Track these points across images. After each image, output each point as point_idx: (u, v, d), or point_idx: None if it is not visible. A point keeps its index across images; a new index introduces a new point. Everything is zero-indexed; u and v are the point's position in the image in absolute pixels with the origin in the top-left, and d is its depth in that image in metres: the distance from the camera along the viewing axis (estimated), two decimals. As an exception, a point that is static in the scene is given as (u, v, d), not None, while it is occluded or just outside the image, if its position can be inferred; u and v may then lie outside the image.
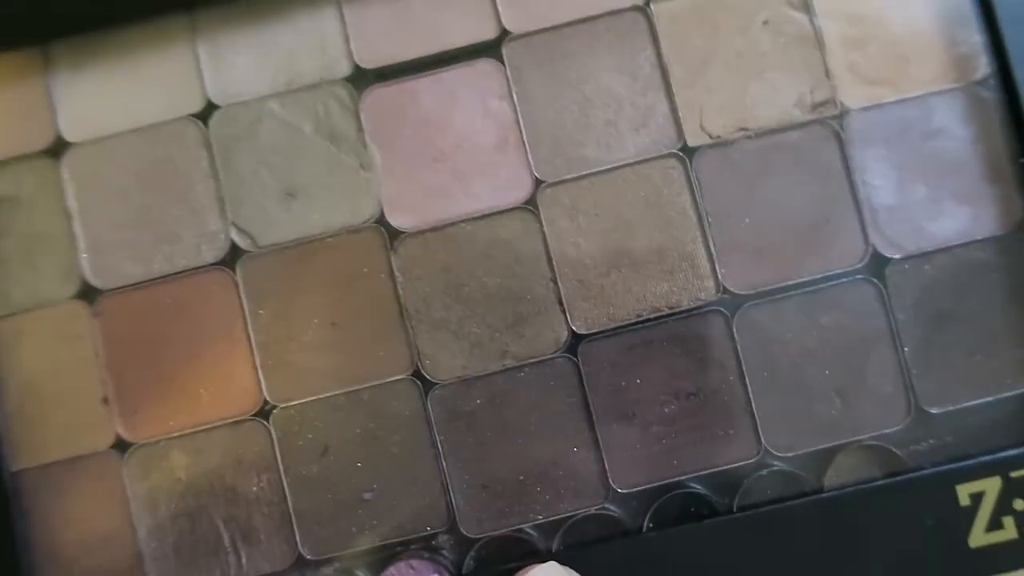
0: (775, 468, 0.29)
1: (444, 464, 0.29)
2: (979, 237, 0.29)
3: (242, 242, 0.29)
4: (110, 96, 0.29)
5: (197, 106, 0.29)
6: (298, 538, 0.28)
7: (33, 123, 0.29)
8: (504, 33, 0.29)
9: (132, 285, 0.29)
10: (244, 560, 0.29)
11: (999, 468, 0.28)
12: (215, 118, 0.29)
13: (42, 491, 0.29)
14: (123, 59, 0.29)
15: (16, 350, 0.29)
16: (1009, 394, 0.29)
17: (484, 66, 0.29)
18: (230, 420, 0.29)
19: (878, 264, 0.29)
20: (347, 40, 0.30)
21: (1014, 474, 0.27)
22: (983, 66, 0.29)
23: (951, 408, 0.29)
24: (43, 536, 0.28)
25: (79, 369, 0.29)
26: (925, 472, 0.28)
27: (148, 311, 0.29)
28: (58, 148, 0.29)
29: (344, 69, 0.29)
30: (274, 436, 0.29)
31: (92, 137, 0.29)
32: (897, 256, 0.29)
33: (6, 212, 0.29)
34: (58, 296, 0.29)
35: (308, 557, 0.28)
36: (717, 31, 0.29)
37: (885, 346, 0.29)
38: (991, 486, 0.27)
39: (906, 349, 0.29)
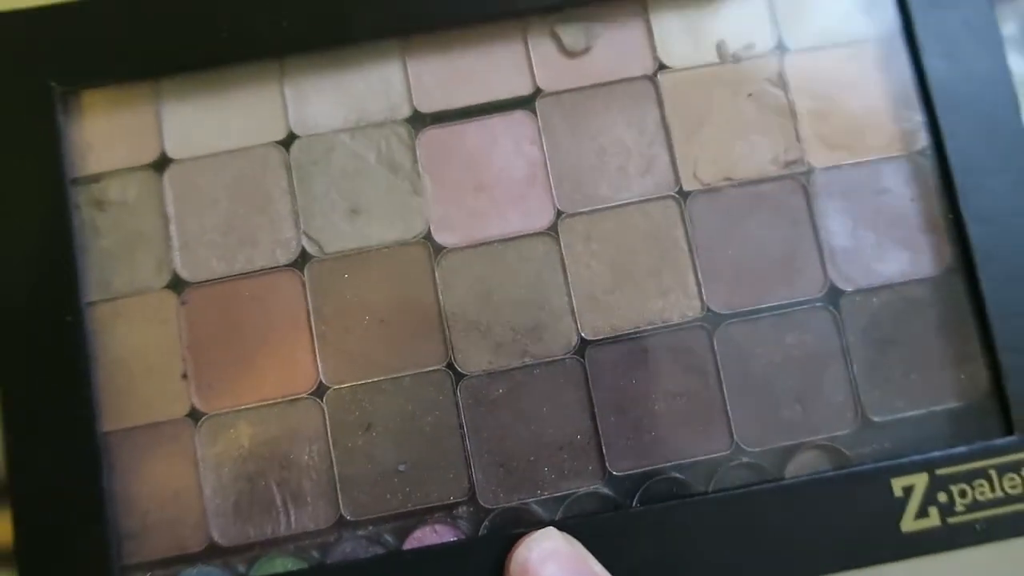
0: (744, 461, 0.34)
1: (468, 443, 0.33)
2: (916, 277, 0.35)
3: (311, 248, 0.34)
4: (209, 122, 0.35)
5: (281, 135, 0.35)
6: (340, 501, 0.33)
7: (143, 142, 0.35)
8: (538, 90, 0.35)
9: (216, 279, 0.34)
10: (293, 519, 0.33)
11: (927, 466, 0.33)
12: (296, 146, 0.35)
13: (126, 450, 0.33)
14: (222, 93, 0.35)
15: (112, 330, 0.34)
16: (938, 408, 0.34)
17: (520, 116, 0.35)
18: (290, 397, 0.34)
19: (834, 295, 0.35)
20: (408, 88, 0.35)
21: (939, 471, 0.33)
22: (922, 140, 0.35)
23: (890, 417, 0.34)
24: (123, 489, 0.33)
25: (164, 348, 0.34)
26: (866, 467, 0.33)
27: (227, 302, 0.34)
28: (162, 163, 0.35)
29: (405, 112, 0.35)
30: (326, 412, 0.34)
31: (191, 155, 0.35)
32: (850, 289, 0.35)
33: (113, 214, 0.35)
34: (152, 285, 0.34)
35: (348, 518, 0.33)
36: (711, 99, 0.36)
37: (838, 363, 0.34)
38: (920, 481, 0.33)
39: (855, 366, 0.34)
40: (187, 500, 0.33)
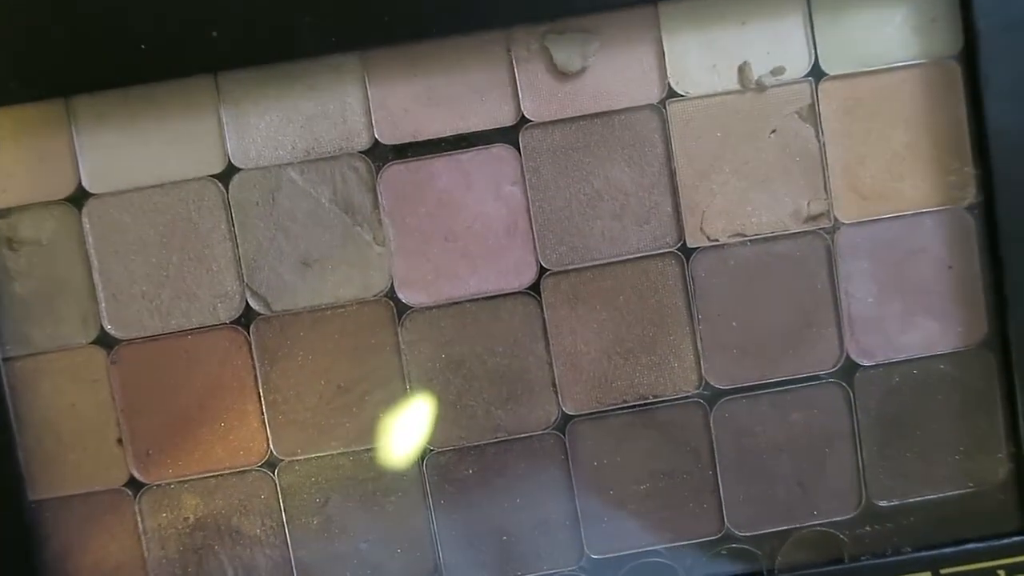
0: (735, 545, 0.30)
1: (434, 523, 0.30)
2: (942, 351, 0.30)
3: (256, 305, 0.29)
4: (133, 150, 0.29)
5: (218, 167, 0.29)
6: (296, 578, 0.30)
7: (56, 171, 0.28)
8: (523, 120, 0.29)
9: (149, 337, 0.29)
10: (246, 591, 0.30)
11: (931, 564, 0.29)
12: (235, 181, 0.29)
13: (61, 521, 0.29)
14: (147, 116, 0.28)
15: (35, 388, 0.29)
16: (948, 495, 0.30)
17: (500, 151, 0.29)
18: (238, 469, 0.29)
19: (849, 370, 0.30)
20: (369, 113, 0.29)
21: (944, 570, 0.29)
22: (970, 195, 0.29)
23: (897, 503, 0.30)
24: (59, 563, 0.29)
25: (95, 411, 0.29)
26: (867, 563, 0.29)
27: (163, 362, 0.29)
28: (80, 197, 0.29)
29: (364, 142, 0.29)
30: (279, 486, 0.29)
31: (113, 189, 0.29)
32: (867, 363, 0.30)
33: (27, 255, 0.29)
34: (77, 341, 0.29)
35: (305, 595, 0.30)
36: (727, 137, 0.29)
37: (846, 444, 0.30)
38: (923, 578, 0.29)
39: (863, 448, 0.30)
40: (130, 574, 0.29)
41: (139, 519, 0.29)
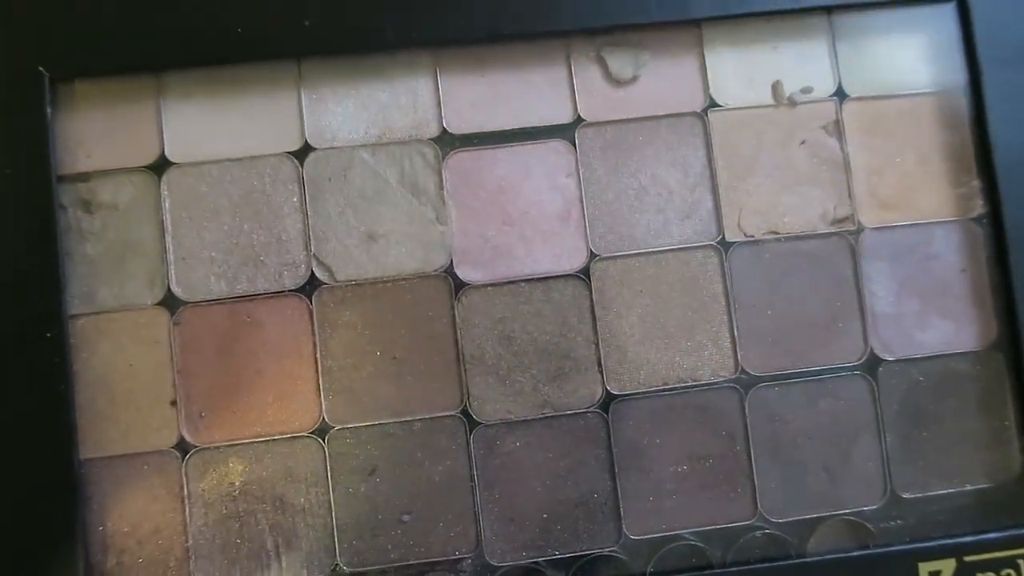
0: (767, 531, 0.30)
1: (478, 496, 0.30)
2: (958, 350, 0.31)
3: (321, 274, 0.30)
4: (216, 125, 0.30)
5: (295, 145, 0.30)
6: (337, 550, 0.29)
7: (141, 141, 0.30)
8: (579, 119, 0.31)
9: (214, 300, 0.29)
10: (284, 565, 0.29)
11: (955, 551, 0.30)
12: (310, 159, 0.30)
13: (105, 481, 0.29)
14: (232, 94, 0.30)
15: (95, 347, 0.29)
16: (969, 487, 0.31)
17: (557, 145, 0.31)
18: (288, 435, 0.29)
19: (873, 363, 0.31)
20: (439, 104, 0.31)
21: (967, 558, 0.30)
22: (979, 206, 0.32)
23: (920, 495, 0.31)
24: (100, 523, 0.28)
25: (153, 371, 0.29)
26: (894, 549, 0.30)
27: (225, 326, 0.29)
28: (161, 166, 0.30)
29: (433, 130, 0.31)
30: (327, 453, 0.29)
31: (194, 160, 0.30)
32: (889, 358, 0.31)
33: (102, 217, 0.30)
34: (142, 301, 0.29)
35: (345, 568, 0.29)
36: (762, 144, 0.31)
37: (871, 434, 0.31)
38: (947, 566, 0.30)
39: (888, 439, 0.31)
40: (169, 539, 0.29)
41: (184, 482, 0.29)
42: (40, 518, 0.28)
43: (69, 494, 0.28)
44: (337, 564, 0.29)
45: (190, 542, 0.29)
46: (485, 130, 0.31)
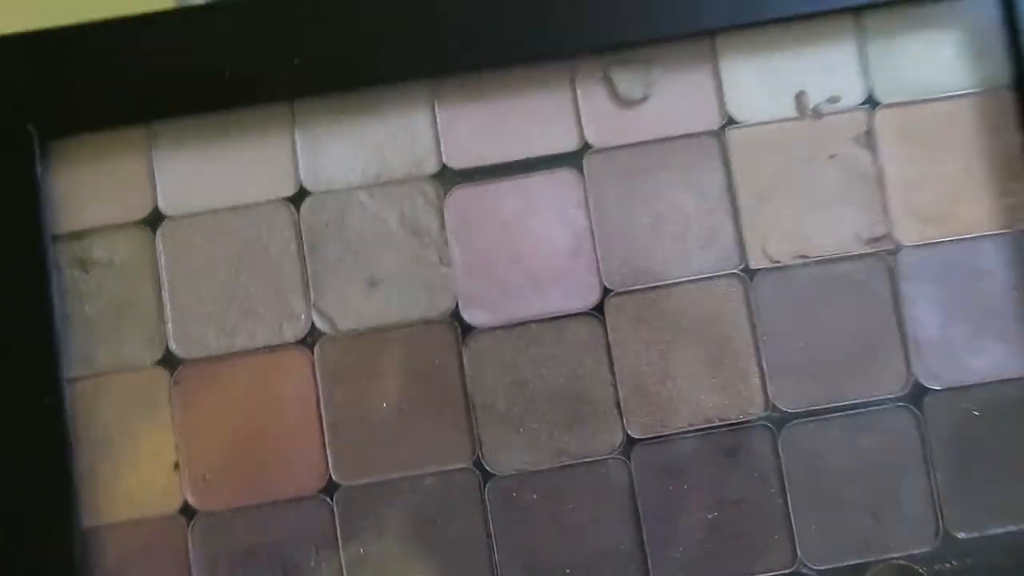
0: (809, 579, 0.28)
1: (496, 552, 0.28)
2: (1014, 375, 0.28)
3: (322, 325, 0.28)
4: (209, 174, 0.28)
5: (290, 191, 0.28)
6: (351, 612, 0.27)
7: (133, 195, 0.28)
8: (586, 146, 0.29)
9: (213, 356, 0.28)
10: (297, 628, 0.28)
11: (1020, 599, 0.27)
12: (306, 204, 0.28)
13: (110, 549, 0.27)
14: (224, 141, 0.28)
15: (95, 410, 0.28)
16: (1031, 526, 0.28)
17: (564, 175, 0.29)
18: (296, 495, 0.28)
19: (918, 393, 0.28)
20: (437, 139, 0.29)
21: (1033, 606, 0.27)
22: (1031, 217, 0.28)
23: (976, 535, 0.28)
24: (107, 591, 0.27)
25: (155, 433, 0.28)
26: (951, 598, 0.27)
27: (226, 382, 0.28)
28: (155, 220, 0.28)
29: (432, 167, 0.29)
30: (336, 514, 0.28)
31: (188, 212, 0.28)
32: (937, 387, 0.28)
33: (98, 276, 0.28)
34: (141, 361, 0.28)
35: (359, 630, 0.27)
36: (786, 161, 0.29)
37: (919, 471, 0.28)
38: (1011, 616, 0.27)
39: (938, 475, 0.28)
40: (178, 605, 0.27)
41: (190, 548, 0.27)
42: (46, 589, 0.26)
43: (72, 565, 0.27)
44: (352, 628, 0.27)
45: (200, 608, 0.27)
46: (487, 163, 0.29)
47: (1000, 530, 0.28)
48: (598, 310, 0.28)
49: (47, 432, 0.27)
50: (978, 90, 0.29)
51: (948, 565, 0.28)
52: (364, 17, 0.28)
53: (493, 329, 0.28)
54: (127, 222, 0.28)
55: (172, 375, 0.28)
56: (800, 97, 0.29)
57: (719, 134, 0.29)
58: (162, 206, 0.28)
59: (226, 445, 0.28)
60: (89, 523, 0.27)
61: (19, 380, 0.27)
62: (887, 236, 0.28)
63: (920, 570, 0.28)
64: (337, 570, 0.27)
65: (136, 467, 0.28)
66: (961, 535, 0.28)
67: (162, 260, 0.28)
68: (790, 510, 0.28)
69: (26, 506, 0.27)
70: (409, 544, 0.27)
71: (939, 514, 0.28)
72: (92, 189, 0.28)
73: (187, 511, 0.28)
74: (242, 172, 0.28)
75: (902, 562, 0.28)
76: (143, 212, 0.28)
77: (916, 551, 0.28)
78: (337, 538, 0.27)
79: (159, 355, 0.28)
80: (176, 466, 0.28)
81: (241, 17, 0.28)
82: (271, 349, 0.28)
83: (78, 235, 0.28)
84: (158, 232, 0.28)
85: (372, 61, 0.28)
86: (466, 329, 0.28)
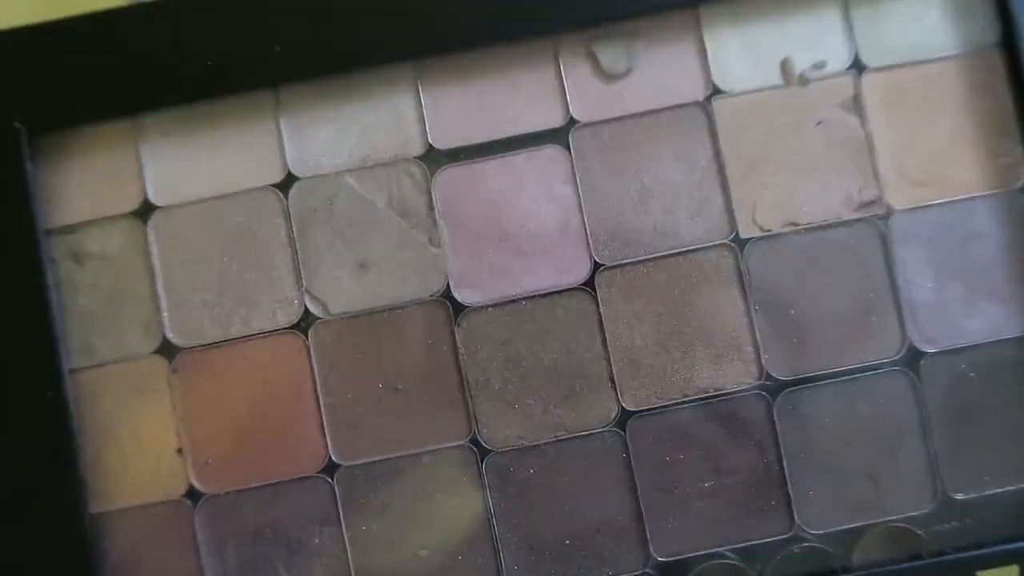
0: (807, 544, 0.28)
1: (495, 526, 0.28)
2: (1010, 335, 0.28)
3: (315, 309, 0.28)
4: (196, 164, 0.28)
5: (277, 177, 0.29)
6: (356, 589, 0.28)
7: (123, 187, 0.28)
8: (572, 122, 0.28)
9: (209, 344, 0.28)
10: (304, 606, 0.28)
11: (1017, 556, 0.27)
12: (294, 190, 0.29)
13: (119, 533, 0.28)
14: (210, 130, 0.28)
15: (99, 400, 0.28)
16: (1029, 485, 0.28)
17: (551, 152, 0.29)
18: (297, 476, 0.28)
19: (913, 357, 0.28)
20: (422, 120, 0.29)
21: (1033, 564, 0.27)
22: (1023, 175, 0.28)
23: (974, 495, 0.28)
24: (118, 574, 0.28)
25: (156, 421, 0.28)
26: (949, 558, 0.27)
27: (224, 369, 0.28)
28: (145, 211, 0.28)
29: (418, 148, 0.29)
30: (338, 493, 0.28)
31: (177, 202, 0.28)
32: (932, 350, 0.28)
33: (93, 268, 0.29)
34: (139, 351, 0.28)
35: (365, 607, 0.28)
36: (773, 129, 0.28)
37: (916, 434, 0.28)
38: (1010, 574, 0.27)
39: (935, 437, 0.28)
40: (187, 588, 0.28)
41: (197, 530, 0.28)
42: (58, 574, 0.27)
43: (83, 549, 0.27)
44: (357, 604, 0.28)
45: (208, 590, 0.28)
46: (473, 143, 0.28)
47: (998, 490, 0.28)
48: (589, 285, 0.28)
49: (51, 423, 0.27)
50: (965, 51, 0.28)
51: (947, 526, 0.28)
52: (345, 0, 0.27)
53: (485, 307, 0.28)
54: (118, 214, 0.28)
55: (170, 363, 0.28)
56: (785, 64, 0.28)
57: (705, 105, 0.28)
58: (152, 197, 0.29)
59: (227, 430, 0.28)
60: (98, 509, 0.28)
61: (21, 374, 0.27)
62: (878, 201, 0.28)
63: (918, 531, 0.28)
64: (341, 546, 0.28)
65: (141, 454, 0.28)
66: (959, 496, 0.28)
67: (154, 250, 0.28)
68: (787, 477, 0.28)
69: (36, 496, 0.27)
70: (410, 520, 0.28)
71: (937, 476, 0.28)
72: (82, 183, 0.29)
73: (193, 495, 0.28)
74: (230, 160, 0.28)
75: (899, 524, 0.28)
76: (134, 204, 0.29)
77: (914, 513, 0.28)
78: (340, 516, 0.28)
79: (157, 344, 0.28)
80: (179, 452, 0.28)
81: (221, 5, 0.27)
82: (266, 335, 0.28)
83: (71, 229, 0.29)
84: (149, 223, 0.28)
85: (354, 44, 0.28)
86: (458, 308, 0.28)
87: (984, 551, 0.27)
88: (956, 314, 0.28)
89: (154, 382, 0.28)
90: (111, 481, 0.28)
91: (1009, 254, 0.28)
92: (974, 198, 0.28)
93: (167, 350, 0.28)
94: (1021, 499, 0.28)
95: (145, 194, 0.29)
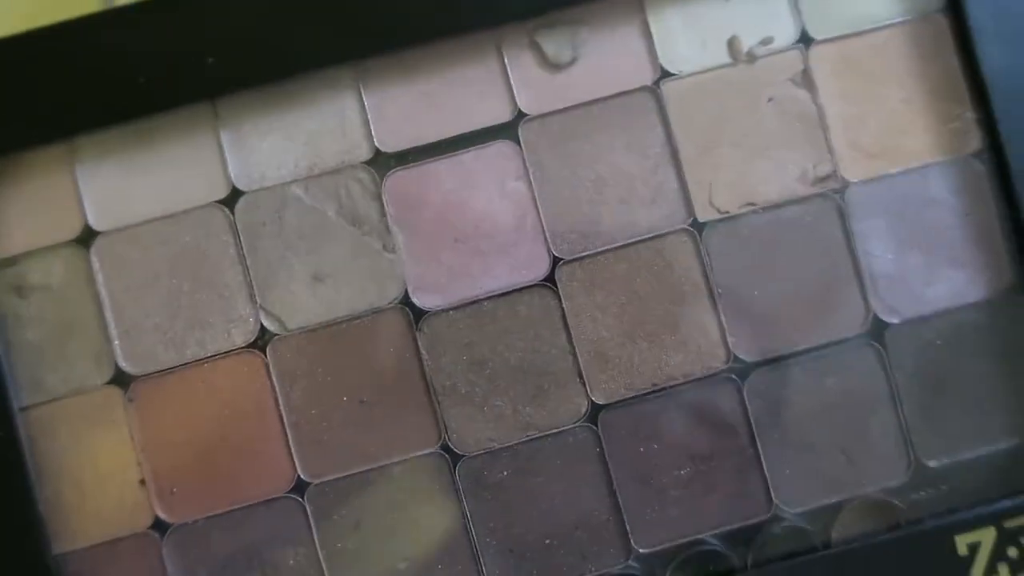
0: (786, 524, 0.28)
1: (473, 532, 0.27)
2: (971, 300, 0.28)
3: (271, 326, 0.27)
4: (136, 185, 0.27)
5: (222, 192, 0.28)
6: (336, 607, 0.27)
7: (62, 214, 0.27)
8: (520, 115, 0.28)
9: (165, 370, 0.27)
10: (284, 629, 0.27)
11: (993, 519, 0.27)
12: (241, 204, 0.28)
13: (85, 572, 0.27)
14: (148, 148, 0.27)
15: (53, 437, 0.27)
16: (1001, 447, 0.28)
17: (501, 148, 0.28)
18: (266, 498, 0.27)
19: (878, 329, 0.28)
20: (367, 123, 0.28)
21: (1007, 524, 0.27)
22: (975, 140, 0.28)
23: (948, 461, 0.28)
24: (87, 615, 0.27)
25: (115, 453, 0.27)
26: (926, 526, 0.27)
27: (181, 395, 0.27)
28: (87, 237, 0.27)
29: (365, 153, 0.28)
30: (309, 512, 0.27)
31: (120, 225, 0.27)
32: (896, 321, 0.28)
33: (38, 300, 0.28)
34: (92, 382, 0.27)
35: (346, 625, 0.27)
36: (724, 109, 0.28)
37: (886, 406, 0.28)
38: (987, 536, 0.27)
39: (905, 407, 0.28)
40: (161, 620, 0.27)
41: (167, 562, 0.27)
42: (26, 620, 0.26)
43: (49, 592, 0.26)
44: (338, 623, 0.27)
45: (184, 621, 0.27)
46: (421, 143, 0.28)
47: (971, 454, 0.28)
48: (550, 280, 0.28)
49: (4, 464, 0.26)
50: (911, 17, 0.28)
51: (923, 494, 0.28)
52: (277, 5, 0.27)
53: (445, 311, 0.27)
54: (59, 242, 0.27)
55: (125, 393, 0.27)
56: (732, 42, 0.28)
57: (654, 89, 0.28)
58: (93, 222, 0.27)
59: (190, 456, 0.27)
60: (61, 549, 0.27)
61: (-31, 415, 0.26)
62: (833, 175, 0.28)
63: (895, 502, 0.28)
64: (317, 566, 0.27)
65: (102, 488, 0.27)
66: (932, 463, 0.28)
67: (100, 278, 0.27)
68: (762, 458, 0.28)
69: (-7, 540, 0.26)
70: (385, 533, 0.27)
71: (909, 445, 0.28)
72: (19, 213, 0.27)
73: (159, 526, 0.27)
74: (171, 179, 0.27)
75: (876, 496, 0.28)
76: (74, 231, 0.27)
77: (890, 484, 0.28)
78: (313, 535, 0.27)
79: (109, 375, 0.27)
80: (142, 483, 0.27)
81: (150, 19, 0.26)
82: (222, 356, 0.27)
83: (10, 261, 0.27)
84: (92, 249, 0.27)
85: (290, 50, 0.27)
86: (418, 314, 0.27)
87: (961, 516, 0.27)
88: (917, 283, 0.28)
89: (110, 414, 0.27)
90: (73, 519, 0.27)
91: (966, 219, 0.28)
92: (928, 165, 0.28)
93: (121, 380, 0.27)
94: (994, 461, 0.28)
95: (85, 220, 0.27)
